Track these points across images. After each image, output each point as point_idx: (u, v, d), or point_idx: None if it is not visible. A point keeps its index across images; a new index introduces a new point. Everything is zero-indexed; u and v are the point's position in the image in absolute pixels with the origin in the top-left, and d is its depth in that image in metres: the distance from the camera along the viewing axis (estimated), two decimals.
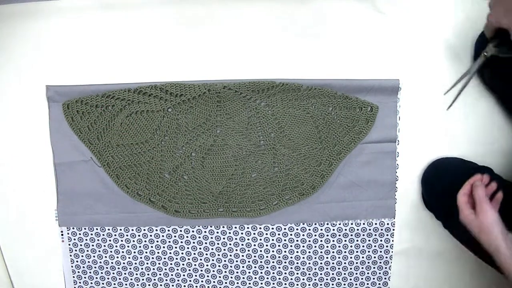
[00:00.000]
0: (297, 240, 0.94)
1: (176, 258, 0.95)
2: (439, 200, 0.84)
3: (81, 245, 0.95)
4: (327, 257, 0.95)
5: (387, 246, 0.94)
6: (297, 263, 0.95)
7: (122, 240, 0.94)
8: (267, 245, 0.94)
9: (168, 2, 0.87)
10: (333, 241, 0.94)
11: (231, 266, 0.96)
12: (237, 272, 0.96)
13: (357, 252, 0.94)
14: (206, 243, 0.94)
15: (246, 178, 0.91)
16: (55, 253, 0.95)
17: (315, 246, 0.94)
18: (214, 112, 0.89)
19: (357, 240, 0.94)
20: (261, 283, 0.96)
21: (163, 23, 0.88)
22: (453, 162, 0.88)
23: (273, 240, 0.94)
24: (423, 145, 0.90)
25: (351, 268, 0.95)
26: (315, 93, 0.87)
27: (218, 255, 0.95)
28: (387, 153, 0.90)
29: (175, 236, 0.94)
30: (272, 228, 0.93)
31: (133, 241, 0.94)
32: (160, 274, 0.96)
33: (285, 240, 0.94)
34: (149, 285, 0.97)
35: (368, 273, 0.96)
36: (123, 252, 0.95)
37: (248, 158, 0.90)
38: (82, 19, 0.88)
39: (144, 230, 0.94)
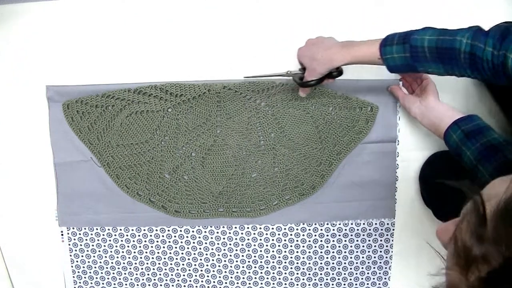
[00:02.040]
0: (297, 240, 0.94)
1: (176, 258, 0.95)
2: (434, 194, 0.85)
3: (81, 245, 0.95)
4: (327, 257, 0.95)
5: (387, 246, 0.94)
6: (297, 263, 0.95)
7: (122, 240, 0.94)
8: (267, 245, 0.94)
9: (168, 2, 0.87)
10: (333, 241, 0.94)
11: (231, 266, 0.96)
12: (237, 272, 0.96)
13: (357, 252, 0.94)
14: (206, 243, 0.94)
15: (246, 178, 0.91)
16: (55, 253, 0.95)
17: (315, 246, 0.94)
18: (214, 112, 0.89)
19: (357, 240, 0.94)
20: (261, 283, 0.96)
21: (163, 23, 0.88)
22: (445, 155, 0.88)
23: (273, 240, 0.94)
24: (423, 145, 0.90)
25: (351, 268, 0.95)
26: (315, 93, 0.87)
27: (218, 255, 0.95)
28: (387, 153, 0.90)
29: (175, 236, 0.94)
30: (272, 228, 0.93)
31: (133, 241, 0.94)
32: (160, 274, 0.96)
33: (285, 240, 0.94)
34: (149, 285, 0.97)
35: (368, 273, 0.95)
36: (123, 252, 0.95)
37: (248, 158, 0.90)
38: (82, 19, 0.88)
39: (144, 230, 0.94)
